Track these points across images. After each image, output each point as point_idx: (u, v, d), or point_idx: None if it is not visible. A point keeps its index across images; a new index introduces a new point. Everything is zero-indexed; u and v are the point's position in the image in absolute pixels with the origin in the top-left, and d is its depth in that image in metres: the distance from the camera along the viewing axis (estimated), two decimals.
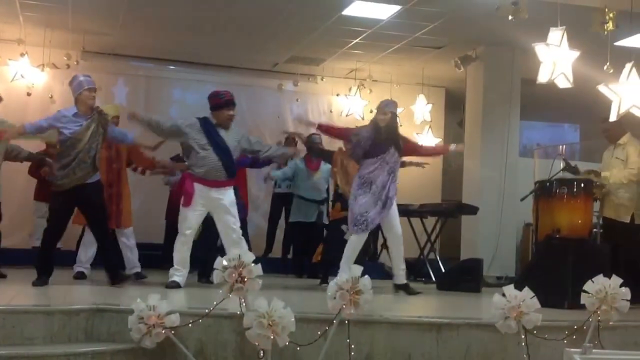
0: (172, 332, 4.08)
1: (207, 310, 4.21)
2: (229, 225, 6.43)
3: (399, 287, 6.83)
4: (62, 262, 8.41)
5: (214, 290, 4.20)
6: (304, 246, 9.06)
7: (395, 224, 6.67)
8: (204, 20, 9.40)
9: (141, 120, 6.46)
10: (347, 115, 11.51)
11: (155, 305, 4.07)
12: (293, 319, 4.02)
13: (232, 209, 6.46)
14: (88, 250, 7.03)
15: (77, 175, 6.04)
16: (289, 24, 9.34)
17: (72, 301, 4.83)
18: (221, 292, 4.08)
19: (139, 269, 7.23)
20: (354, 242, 6.54)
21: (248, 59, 11.18)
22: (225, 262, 4.09)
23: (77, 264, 7.15)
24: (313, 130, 7.67)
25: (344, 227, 7.32)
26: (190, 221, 6.40)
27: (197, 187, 6.36)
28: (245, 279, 4.07)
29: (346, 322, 4.23)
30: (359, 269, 4.22)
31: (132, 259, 7.20)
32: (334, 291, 4.17)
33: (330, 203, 8.78)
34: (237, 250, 4.17)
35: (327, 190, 9.17)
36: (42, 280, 5.98)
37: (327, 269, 7.52)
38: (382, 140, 6.56)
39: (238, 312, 4.12)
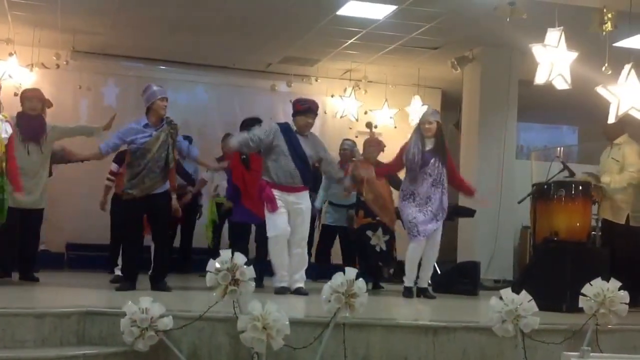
0: (165, 335, 4.04)
1: (200, 314, 4.17)
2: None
3: (420, 290, 6.96)
4: (53, 265, 8.43)
5: (207, 292, 4.15)
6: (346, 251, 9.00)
7: (438, 232, 6.82)
8: (195, 20, 9.33)
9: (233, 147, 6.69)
10: (341, 117, 11.45)
11: (148, 308, 4.03)
12: (287, 322, 3.99)
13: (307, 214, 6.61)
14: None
15: (146, 184, 6.13)
16: (282, 23, 9.28)
17: (63, 304, 4.77)
18: (214, 295, 4.04)
19: None
20: (413, 249, 6.72)
21: (241, 59, 11.10)
22: (217, 265, 4.05)
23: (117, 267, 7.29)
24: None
25: (369, 232, 7.37)
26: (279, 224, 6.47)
27: (276, 192, 6.47)
28: (239, 281, 4.04)
29: (342, 325, 4.18)
30: (353, 272, 4.17)
31: None
32: (329, 294, 4.13)
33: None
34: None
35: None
36: (126, 285, 6.09)
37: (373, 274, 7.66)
38: (425, 151, 6.66)
39: (232, 315, 4.07)
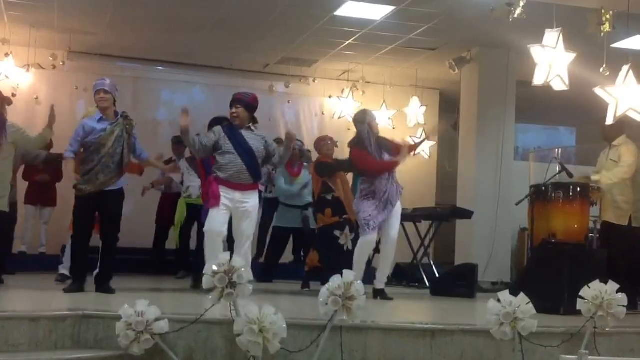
0: (161, 338, 4.01)
1: (196, 317, 4.14)
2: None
3: (376, 292, 6.80)
4: (48, 267, 8.37)
5: (203, 296, 4.12)
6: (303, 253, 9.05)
7: (393, 226, 6.75)
8: (193, 21, 9.31)
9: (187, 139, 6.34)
10: (339, 118, 11.43)
11: (144, 311, 3.99)
12: (284, 325, 3.95)
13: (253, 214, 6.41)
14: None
15: (100, 180, 5.98)
16: (280, 24, 9.26)
17: (58, 307, 4.74)
18: (211, 298, 4.01)
19: None
20: (361, 244, 6.67)
21: (238, 60, 11.07)
22: (215, 267, 4.03)
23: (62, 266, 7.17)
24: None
25: (336, 232, 7.30)
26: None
27: (222, 189, 6.27)
28: (236, 285, 4.01)
29: (339, 328, 4.16)
30: (351, 274, 4.15)
31: None
32: (326, 297, 4.10)
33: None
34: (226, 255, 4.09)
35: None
36: (76, 285, 5.95)
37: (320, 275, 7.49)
38: (373, 151, 6.68)
39: (228, 318, 4.04)
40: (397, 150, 6.81)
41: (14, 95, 10.15)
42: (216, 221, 6.17)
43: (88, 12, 9.15)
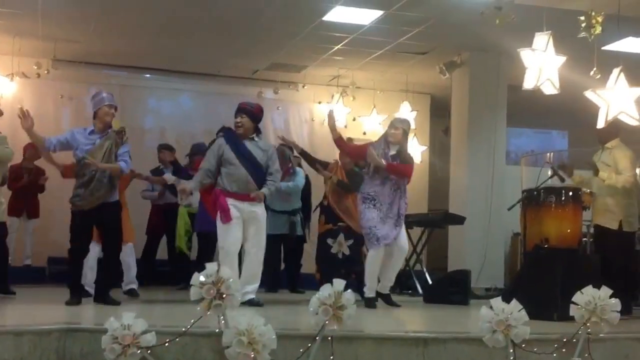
0: (148, 351, 3.93)
1: (184, 329, 4.07)
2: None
3: (380, 296, 6.79)
4: (34, 280, 8.29)
5: (191, 306, 4.05)
6: (291, 260, 9.01)
7: (402, 237, 6.69)
8: (179, 27, 9.26)
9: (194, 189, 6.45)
10: None
11: (130, 324, 3.91)
12: (274, 336, 3.89)
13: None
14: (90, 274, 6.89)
15: (95, 196, 5.98)
16: (268, 30, 9.21)
17: (42, 321, 4.65)
18: (198, 309, 3.95)
19: (134, 286, 7.21)
20: (372, 257, 6.55)
21: (226, 66, 11.02)
22: (202, 278, 3.97)
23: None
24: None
25: (329, 240, 7.26)
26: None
27: (230, 201, 6.27)
28: (224, 295, 3.95)
29: (329, 338, 4.09)
30: (341, 284, 4.09)
31: (129, 275, 7.18)
32: (316, 306, 4.04)
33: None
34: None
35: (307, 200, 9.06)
36: (75, 299, 5.95)
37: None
38: (389, 156, 6.59)
39: (217, 330, 3.98)
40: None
41: None
42: (231, 236, 6.21)
43: (72, 20, 9.08)
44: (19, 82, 10.26)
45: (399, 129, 6.65)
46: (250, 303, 6.19)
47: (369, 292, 6.67)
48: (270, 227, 8.79)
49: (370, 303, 6.61)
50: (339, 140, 6.86)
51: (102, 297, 6.05)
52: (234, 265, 6.30)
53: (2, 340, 4.01)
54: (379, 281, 6.77)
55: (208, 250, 7.52)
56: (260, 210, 6.37)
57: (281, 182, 8.56)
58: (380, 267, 6.62)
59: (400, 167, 6.64)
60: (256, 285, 6.41)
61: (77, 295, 6.01)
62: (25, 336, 4.07)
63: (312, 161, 8.11)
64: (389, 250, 6.56)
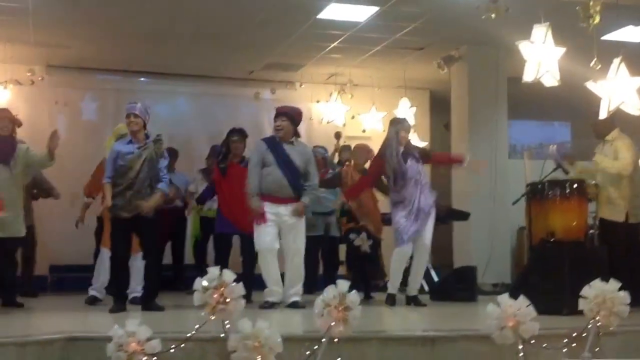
0: (154, 358, 3.88)
1: (189, 334, 4.02)
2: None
3: (410, 299, 6.86)
4: (36, 289, 8.23)
5: (195, 311, 4.01)
6: (328, 261, 8.97)
7: (425, 234, 6.74)
8: (173, 30, 9.18)
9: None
10: (328, 123, 11.30)
11: (135, 331, 3.87)
12: (280, 340, 3.84)
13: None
14: (103, 275, 6.97)
15: (132, 205, 6.05)
16: (262, 29, 9.14)
17: (45, 330, 4.62)
18: (203, 314, 3.91)
19: (137, 294, 7.10)
20: (398, 254, 6.68)
21: (222, 68, 10.93)
22: (205, 282, 3.92)
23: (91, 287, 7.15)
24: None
25: (352, 235, 7.30)
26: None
27: (266, 204, 6.36)
28: (228, 300, 3.90)
29: (335, 340, 4.04)
30: (345, 284, 4.04)
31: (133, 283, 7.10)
32: (321, 308, 3.99)
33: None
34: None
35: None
36: (119, 305, 6.06)
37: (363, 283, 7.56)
38: (400, 158, 6.69)
39: (221, 335, 3.93)
40: (425, 155, 7.00)
41: None
42: (266, 238, 6.30)
43: (64, 25, 8.97)
44: (12, 89, 10.12)
45: (409, 130, 6.94)
46: (294, 305, 6.34)
47: (391, 289, 6.83)
48: (307, 229, 8.85)
49: (390, 300, 6.78)
50: (354, 193, 7.09)
51: (150, 305, 6.12)
52: (271, 267, 6.41)
53: (5, 352, 3.99)
54: (406, 284, 6.87)
55: (223, 252, 7.52)
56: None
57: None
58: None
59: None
60: (299, 287, 6.52)
61: (121, 301, 6.12)
62: (27, 347, 4.07)
63: (327, 184, 8.16)
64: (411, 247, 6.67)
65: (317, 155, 8.53)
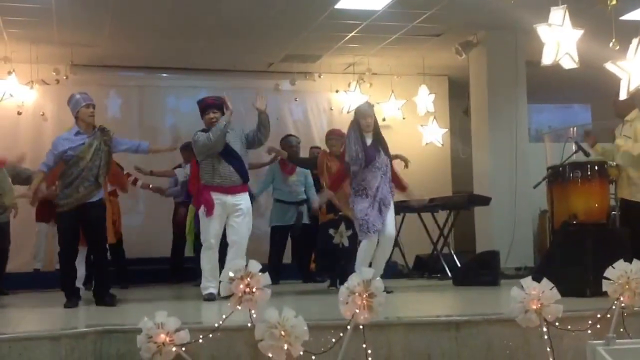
0: (183, 349, 3.97)
1: (216, 324, 4.10)
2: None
3: None
4: (50, 285, 8.31)
5: (222, 302, 4.08)
6: (302, 250, 9.00)
7: (389, 223, 6.49)
8: (192, 25, 9.25)
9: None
10: (348, 112, 11.30)
11: (164, 323, 3.95)
12: (306, 328, 3.91)
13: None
14: (79, 269, 6.87)
15: (80, 193, 6.03)
16: (280, 22, 9.18)
17: (77, 324, 4.72)
18: (229, 305, 3.98)
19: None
20: (364, 246, 6.39)
21: (241, 61, 10.98)
22: (231, 274, 3.99)
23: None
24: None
25: (331, 231, 7.25)
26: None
27: (215, 195, 6.39)
28: (254, 290, 3.97)
29: (361, 327, 4.09)
30: (370, 272, 4.08)
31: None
32: (346, 296, 4.04)
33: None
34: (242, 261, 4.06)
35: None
36: (72, 302, 6.02)
37: (326, 272, 7.65)
38: (367, 147, 6.47)
39: (248, 325, 4.00)
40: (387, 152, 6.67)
41: (19, 113, 10.16)
42: (211, 231, 6.35)
43: (86, 25, 9.10)
44: (39, 89, 10.32)
45: (372, 116, 6.59)
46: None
47: None
48: (278, 219, 8.85)
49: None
50: (337, 184, 6.85)
51: (104, 299, 6.04)
52: (214, 259, 6.43)
53: (40, 345, 4.06)
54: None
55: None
56: (244, 204, 6.49)
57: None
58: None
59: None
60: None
61: (75, 296, 6.08)
62: (62, 340, 4.13)
63: (303, 163, 8.29)
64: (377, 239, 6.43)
65: (291, 143, 8.62)
